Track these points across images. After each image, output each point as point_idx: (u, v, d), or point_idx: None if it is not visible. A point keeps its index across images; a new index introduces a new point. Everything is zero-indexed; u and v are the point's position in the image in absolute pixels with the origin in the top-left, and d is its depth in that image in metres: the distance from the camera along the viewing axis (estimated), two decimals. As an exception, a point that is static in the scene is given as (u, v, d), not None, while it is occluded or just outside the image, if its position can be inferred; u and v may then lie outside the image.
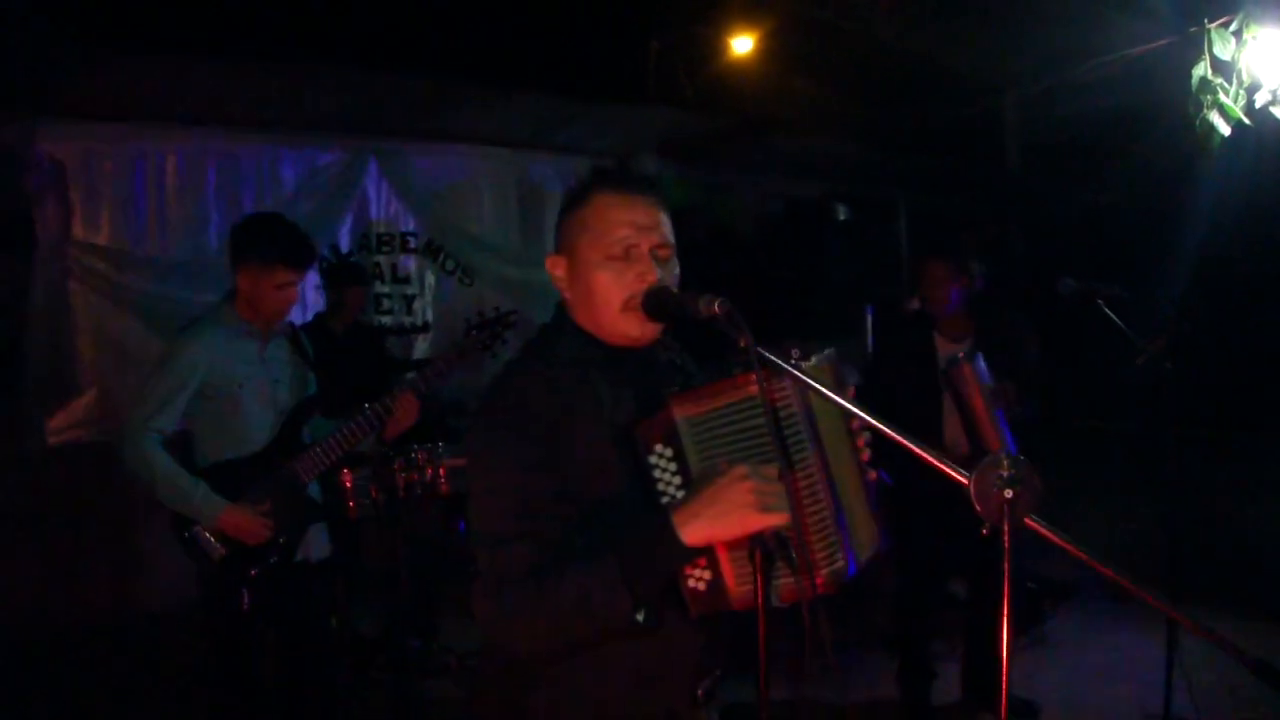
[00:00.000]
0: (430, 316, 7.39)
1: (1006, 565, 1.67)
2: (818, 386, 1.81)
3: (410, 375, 3.94)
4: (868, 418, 1.78)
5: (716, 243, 8.20)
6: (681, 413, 1.87)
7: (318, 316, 5.89)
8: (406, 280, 7.32)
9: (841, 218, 8.37)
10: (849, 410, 1.80)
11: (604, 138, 7.37)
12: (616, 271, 1.99)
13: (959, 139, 8.01)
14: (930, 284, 4.40)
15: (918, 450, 1.71)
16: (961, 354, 4.02)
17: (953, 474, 1.70)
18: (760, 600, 1.80)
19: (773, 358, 1.83)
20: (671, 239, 2.06)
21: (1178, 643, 4.11)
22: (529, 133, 7.31)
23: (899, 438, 1.73)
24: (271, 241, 3.54)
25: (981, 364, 3.99)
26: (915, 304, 4.57)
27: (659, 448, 1.88)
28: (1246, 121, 3.91)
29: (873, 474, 2.10)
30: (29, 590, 5.92)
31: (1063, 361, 5.22)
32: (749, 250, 8.47)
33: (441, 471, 4.98)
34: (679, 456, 1.87)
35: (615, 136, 7.35)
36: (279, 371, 3.69)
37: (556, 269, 2.09)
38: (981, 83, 7.41)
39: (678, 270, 2.07)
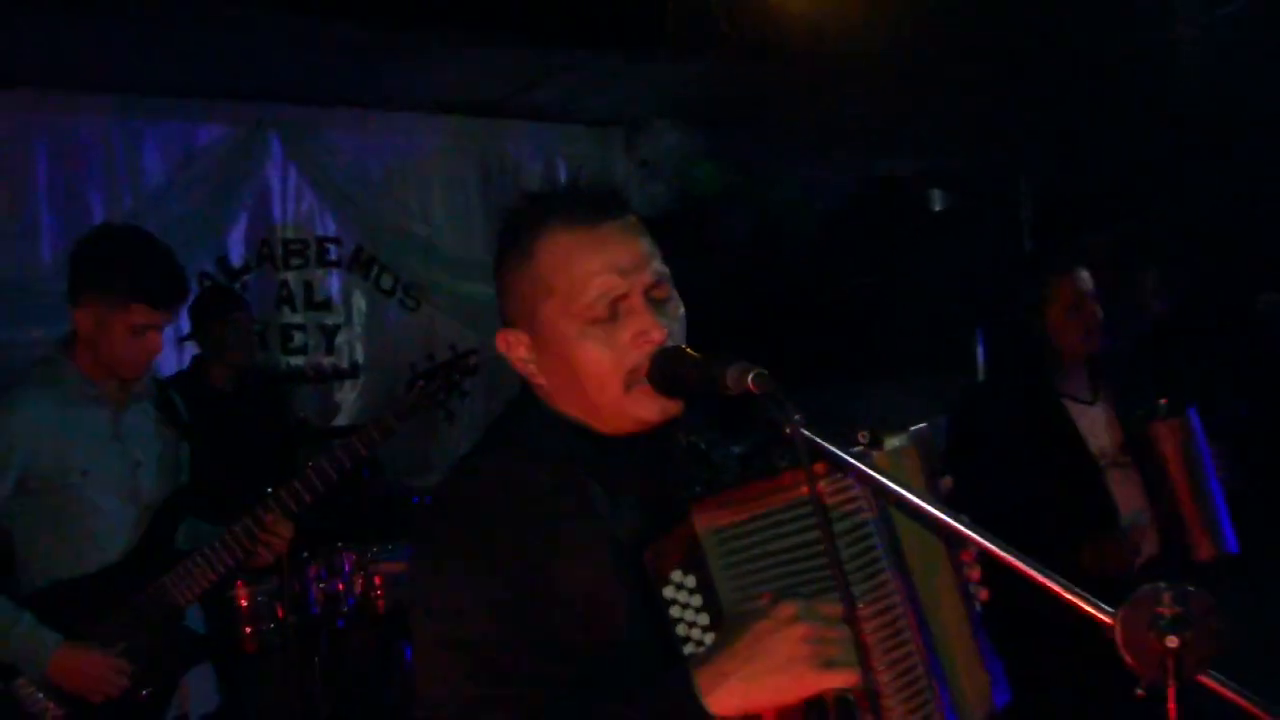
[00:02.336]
0: (360, 355, 7.45)
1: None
2: (896, 488, 1.81)
3: (336, 444, 3.97)
4: (970, 533, 1.77)
5: (761, 244, 8.21)
6: (708, 525, 1.88)
7: (195, 363, 5.92)
8: (326, 305, 7.38)
9: (938, 206, 8.38)
10: (942, 519, 1.80)
11: (603, 99, 7.42)
12: (606, 339, 2.01)
13: (1104, 94, 8.00)
14: (1067, 306, 4.36)
15: (1037, 576, 1.70)
16: (1163, 404, 3.99)
17: (1089, 609, 1.70)
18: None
19: (830, 447, 1.82)
20: (663, 266, 2.07)
21: None
22: (497, 94, 7.36)
23: (1011, 559, 1.71)
24: (126, 266, 3.56)
25: (1196, 422, 3.96)
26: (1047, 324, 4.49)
27: (677, 575, 1.89)
28: None
29: (984, 594, 2.10)
30: None
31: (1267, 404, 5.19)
32: (807, 253, 8.48)
33: (376, 580, 5.00)
34: (705, 587, 1.88)
35: (618, 97, 7.40)
36: (141, 450, 3.71)
37: (515, 349, 2.10)
38: (1141, 11, 7.40)
39: (682, 306, 2.09)
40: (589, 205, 2.06)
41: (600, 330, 2.01)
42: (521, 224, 2.08)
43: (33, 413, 3.55)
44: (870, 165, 8.88)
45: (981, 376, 7.82)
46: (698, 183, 7.98)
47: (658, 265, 2.06)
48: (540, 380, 2.10)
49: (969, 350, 8.01)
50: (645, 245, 2.07)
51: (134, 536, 3.64)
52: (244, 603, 4.92)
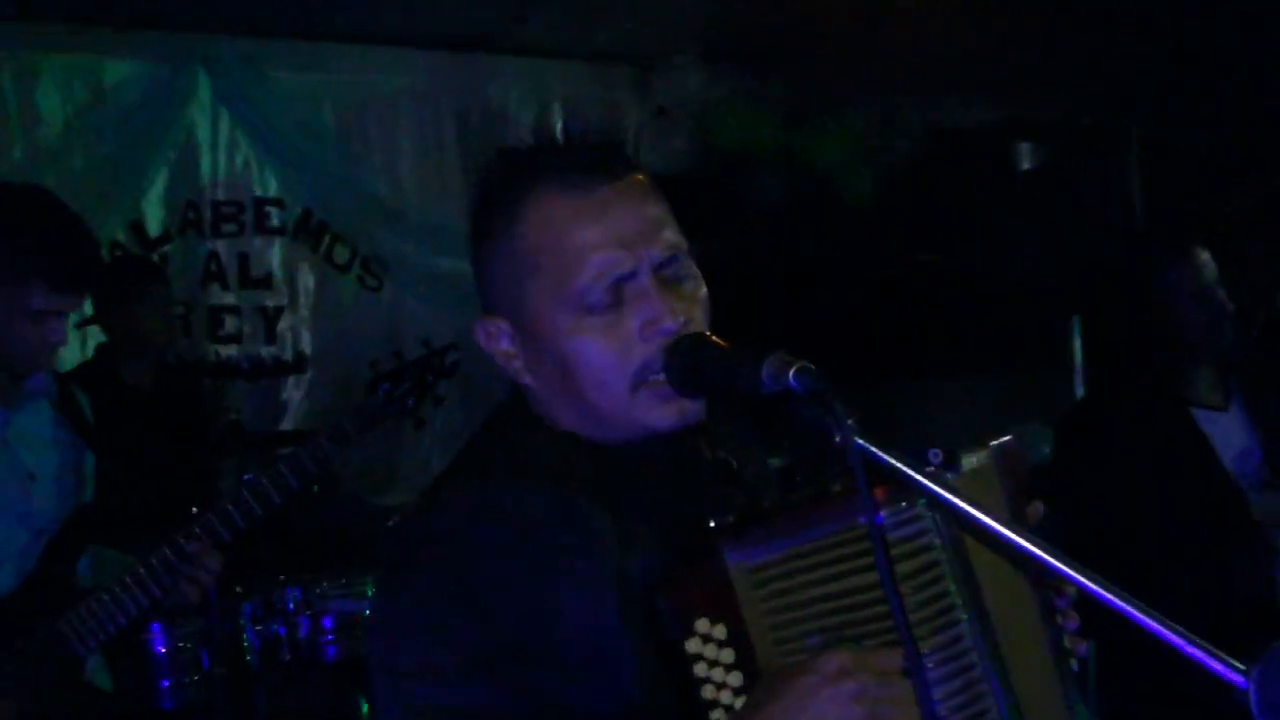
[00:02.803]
0: (308, 345, 7.48)
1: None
2: (976, 513, 1.78)
3: (280, 458, 3.97)
4: (1074, 573, 1.74)
5: (804, 211, 8.21)
6: (742, 561, 1.88)
7: (100, 354, 5.91)
8: (265, 282, 7.42)
9: (1026, 164, 8.35)
10: (1040, 557, 1.77)
11: (610, 30, 7.43)
12: (607, 330, 2.00)
13: (1232, 27, 7.99)
14: (1192, 295, 4.33)
15: (1152, 624, 1.69)
16: None
17: (1217, 666, 1.68)
18: None
19: (894, 460, 1.81)
20: (679, 237, 2.07)
21: None
22: (480, 24, 7.36)
23: (1120, 603, 1.69)
24: (22, 237, 3.56)
25: None
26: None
27: (703, 625, 1.88)
28: None
29: (1080, 647, 2.11)
30: None
31: None
32: (861, 222, 8.48)
33: (326, 622, 5.00)
34: (736, 638, 1.87)
35: (629, 28, 7.40)
36: (35, 460, 3.72)
37: (496, 341, 2.11)
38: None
39: (703, 286, 2.09)
40: (586, 162, 2.05)
41: (600, 319, 2.00)
42: (502, 186, 2.08)
43: None
44: (941, 114, 8.87)
45: (1079, 374, 7.79)
46: (726, 135, 7.98)
47: (672, 236, 2.06)
48: (527, 379, 2.10)
49: (1063, 342, 7.99)
50: (656, 211, 2.06)
51: (23, 567, 3.65)
52: (161, 650, 4.92)
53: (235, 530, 3.81)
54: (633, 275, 2.00)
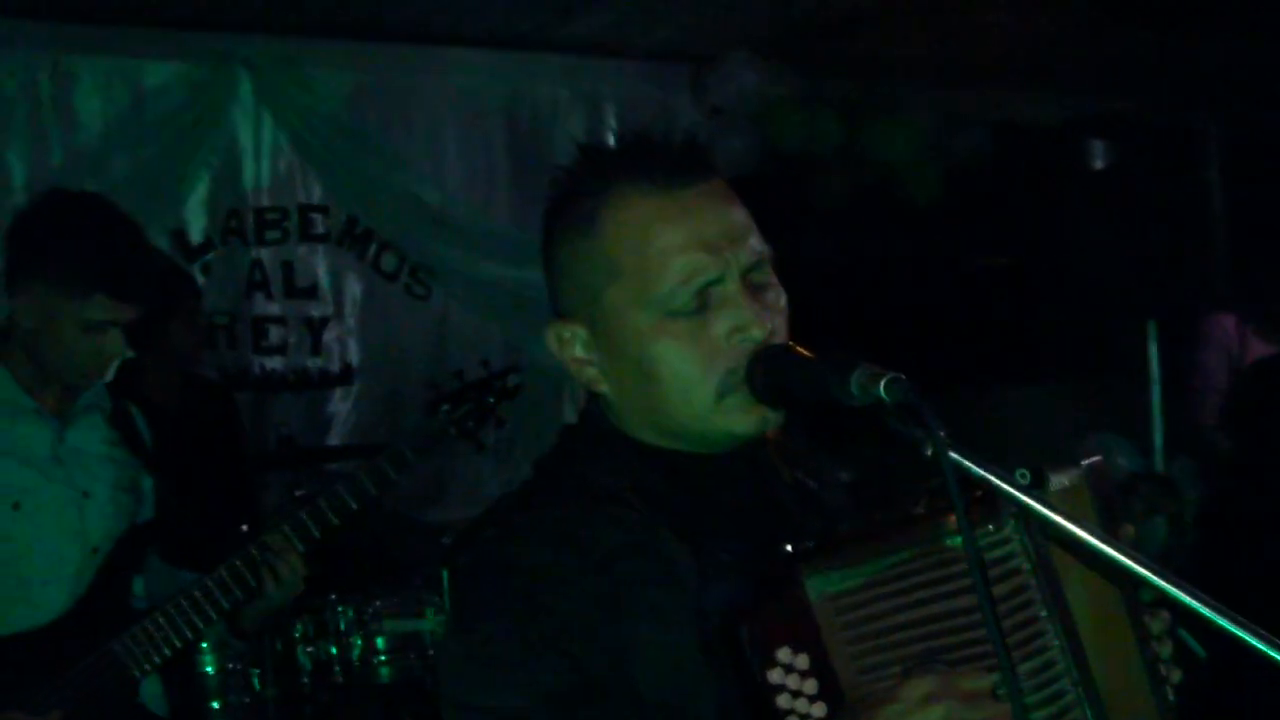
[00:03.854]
0: (355, 357, 7.48)
1: None
2: (1075, 529, 1.79)
3: (339, 481, 3.98)
4: (1164, 584, 1.75)
5: (868, 213, 8.20)
6: (824, 590, 1.89)
7: (124, 370, 5.89)
8: (310, 292, 7.43)
9: (1099, 162, 8.33)
10: (1131, 570, 1.78)
11: (663, 27, 7.42)
12: (692, 335, 2.02)
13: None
14: None
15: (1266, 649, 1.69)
16: None
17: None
18: None
19: (991, 475, 1.81)
20: (765, 246, 2.08)
21: None
22: (527, 22, 7.38)
23: (1237, 628, 1.69)
24: (86, 246, 3.60)
25: None
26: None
27: (785, 654, 1.90)
28: None
29: (1175, 674, 2.10)
30: None
31: None
32: (927, 224, 8.46)
33: (380, 643, 5.02)
34: (819, 667, 1.89)
35: (683, 24, 7.40)
36: (90, 478, 3.75)
37: (569, 347, 2.12)
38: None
39: (784, 296, 2.11)
40: (669, 163, 2.06)
41: (685, 324, 2.01)
42: (581, 187, 2.09)
43: None
44: (1010, 110, 8.84)
45: (1156, 380, 7.75)
46: (785, 134, 7.96)
47: (757, 243, 2.07)
48: (602, 388, 2.12)
49: (1139, 348, 7.95)
50: (741, 216, 2.08)
51: (78, 587, 3.68)
52: (210, 671, 4.95)
53: (248, 582, 3.80)
54: (719, 280, 2.01)
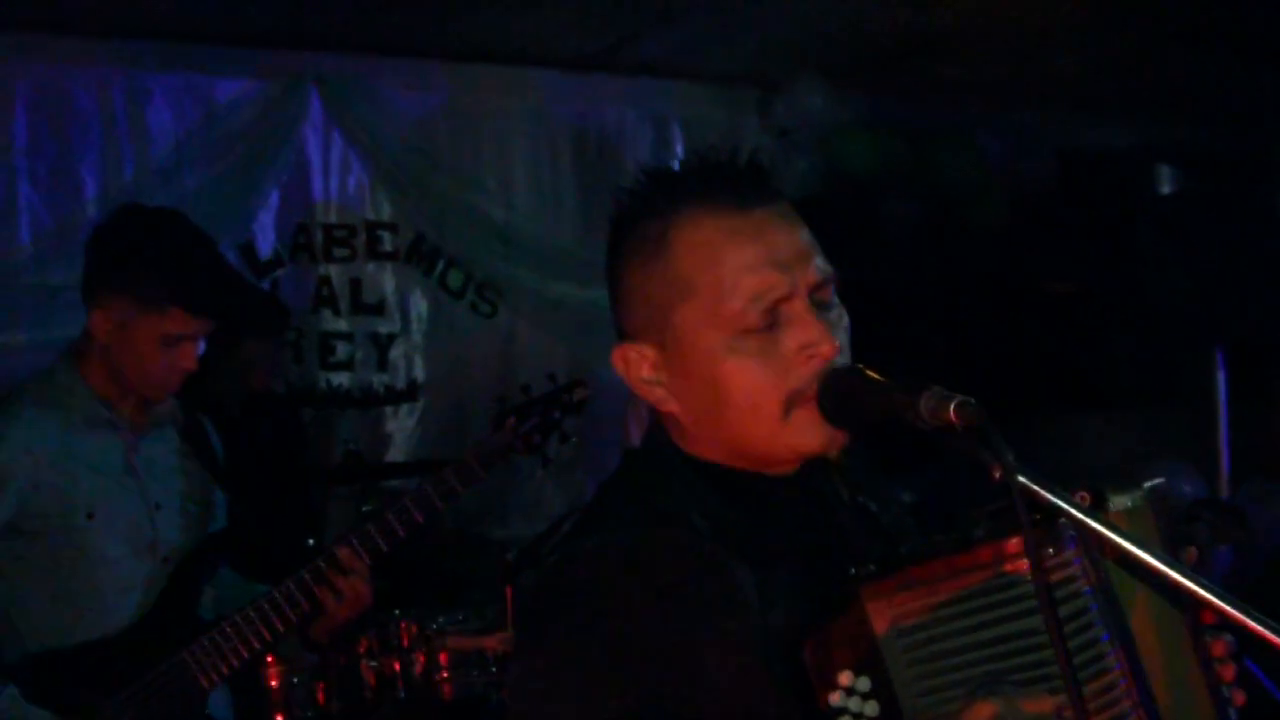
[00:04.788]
0: (420, 373, 7.53)
1: None
2: (1138, 550, 1.81)
3: (407, 495, 4.00)
4: (1228, 607, 1.76)
5: (933, 237, 8.18)
6: (885, 614, 1.90)
7: (188, 381, 5.92)
8: (378, 308, 7.48)
9: (1167, 188, 8.28)
10: (1194, 592, 1.79)
11: (730, 50, 7.43)
12: (763, 352, 2.04)
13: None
14: None
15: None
16: None
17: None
18: None
19: (1058, 500, 1.84)
20: (830, 267, 2.10)
21: None
22: (596, 43, 7.41)
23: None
24: (164, 260, 3.66)
25: None
26: None
27: (846, 678, 1.91)
28: None
29: (1238, 698, 2.10)
30: None
31: None
32: (992, 249, 8.43)
33: (442, 658, 5.02)
34: (882, 692, 1.90)
35: (750, 48, 7.41)
36: (162, 489, 3.81)
37: (637, 368, 2.13)
38: None
39: (848, 320, 2.12)
40: (737, 184, 2.08)
41: (755, 341, 2.03)
42: (649, 207, 2.10)
43: (29, 438, 3.64)
44: (1077, 135, 8.80)
45: (1224, 408, 7.69)
46: (851, 158, 7.96)
47: (822, 263, 2.09)
48: (671, 408, 2.13)
49: (1206, 376, 7.89)
50: (807, 236, 2.10)
51: (149, 597, 3.73)
52: (275, 684, 4.96)
53: (314, 595, 3.82)
54: (789, 297, 2.02)
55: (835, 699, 1.90)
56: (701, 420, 2.10)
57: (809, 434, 2.04)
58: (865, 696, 1.90)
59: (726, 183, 2.07)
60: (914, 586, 1.90)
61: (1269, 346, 7.25)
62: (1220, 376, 7.69)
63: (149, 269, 3.63)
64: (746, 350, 2.03)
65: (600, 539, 2.06)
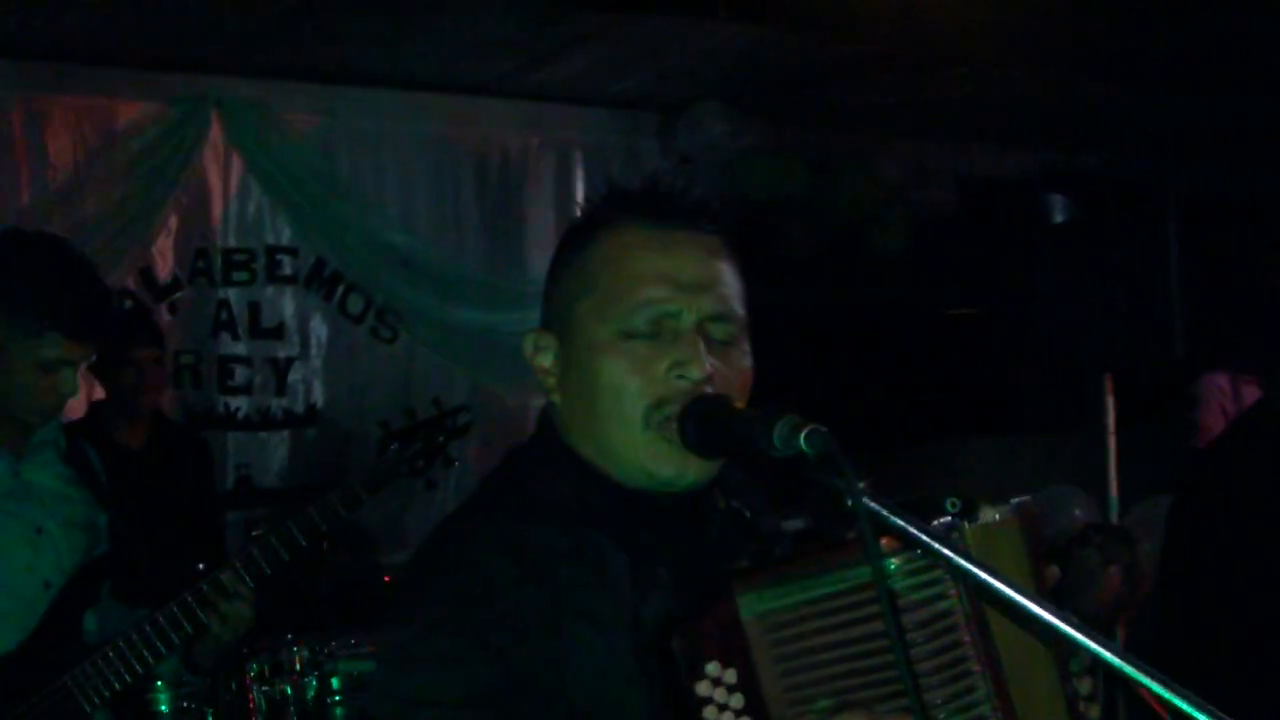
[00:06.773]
0: (319, 398, 7.49)
1: None
2: (987, 577, 1.79)
3: (289, 518, 3.98)
4: (1081, 636, 1.75)
5: (833, 263, 8.22)
6: (754, 605, 1.93)
7: (93, 412, 5.93)
8: (277, 332, 7.43)
9: (1059, 216, 8.36)
10: (1041, 616, 1.76)
11: (633, 75, 7.46)
12: (637, 359, 2.08)
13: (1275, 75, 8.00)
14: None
15: (1173, 698, 1.69)
16: None
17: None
18: None
19: (902, 521, 1.83)
20: (740, 309, 2.15)
21: None
22: (498, 69, 7.42)
23: (1140, 675, 1.70)
24: (38, 285, 3.61)
25: None
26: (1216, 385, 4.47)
27: (713, 668, 1.93)
28: None
29: (1093, 711, 2.12)
30: None
31: None
32: (891, 275, 8.49)
33: (334, 682, 4.99)
34: (747, 684, 1.92)
35: (653, 72, 7.43)
36: (43, 511, 3.75)
37: (540, 356, 2.20)
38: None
39: (749, 363, 2.16)
40: (671, 206, 2.17)
41: (635, 346, 2.09)
42: (594, 213, 2.20)
43: None
44: (972, 163, 8.88)
45: (1111, 434, 7.77)
46: (752, 183, 7.99)
47: (733, 300, 2.14)
48: (558, 399, 2.18)
49: (1096, 401, 7.98)
50: (724, 272, 2.16)
51: (29, 621, 3.68)
52: (165, 709, 4.91)
53: (200, 617, 3.78)
54: (676, 316, 2.08)
55: (702, 689, 1.92)
56: (576, 414, 2.15)
57: (662, 459, 2.08)
58: (731, 689, 1.92)
59: (662, 202, 2.17)
60: (784, 581, 1.94)
61: (1156, 374, 7.36)
62: (1109, 401, 7.77)
63: (25, 293, 3.58)
64: (624, 352, 2.08)
65: (477, 521, 2.12)
